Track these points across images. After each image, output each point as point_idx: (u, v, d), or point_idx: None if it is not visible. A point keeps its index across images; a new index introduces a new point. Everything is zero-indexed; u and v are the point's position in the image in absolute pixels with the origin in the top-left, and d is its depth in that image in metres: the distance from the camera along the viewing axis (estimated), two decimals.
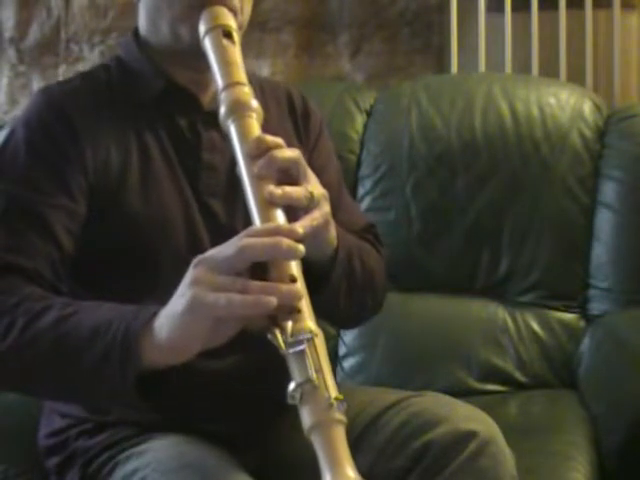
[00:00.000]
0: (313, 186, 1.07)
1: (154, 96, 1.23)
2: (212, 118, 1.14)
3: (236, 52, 1.14)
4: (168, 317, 0.95)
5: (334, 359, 1.88)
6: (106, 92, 1.24)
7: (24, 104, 2.62)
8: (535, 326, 1.83)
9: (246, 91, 1.09)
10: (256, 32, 2.51)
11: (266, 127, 1.09)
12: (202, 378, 1.17)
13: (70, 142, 1.17)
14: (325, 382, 0.90)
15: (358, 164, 1.96)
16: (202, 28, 1.15)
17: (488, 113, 1.91)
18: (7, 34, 2.71)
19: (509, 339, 1.82)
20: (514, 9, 2.36)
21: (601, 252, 1.84)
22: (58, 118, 1.18)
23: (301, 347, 0.91)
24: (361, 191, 1.93)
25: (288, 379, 0.92)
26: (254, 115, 1.08)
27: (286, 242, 0.94)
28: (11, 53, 2.71)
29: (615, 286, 1.82)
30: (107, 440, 1.18)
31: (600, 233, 1.85)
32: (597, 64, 2.37)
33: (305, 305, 0.95)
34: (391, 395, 1.20)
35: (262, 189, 1.01)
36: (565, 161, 1.86)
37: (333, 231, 1.15)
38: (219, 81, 1.11)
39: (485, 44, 2.37)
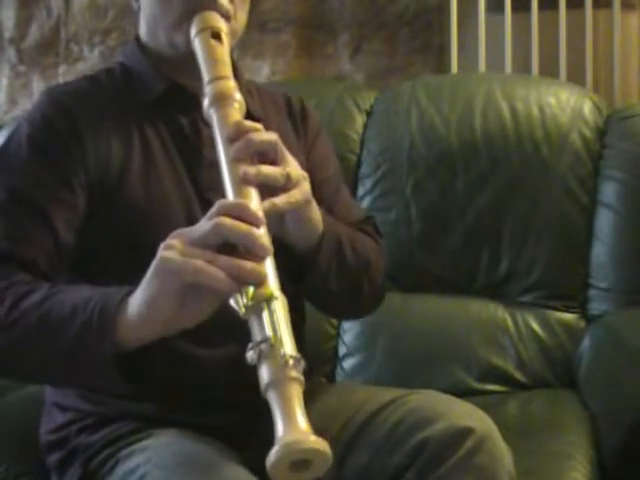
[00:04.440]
0: (291, 167, 1.09)
1: (156, 96, 1.26)
2: None
3: (223, 51, 1.18)
4: (141, 288, 0.99)
5: (334, 359, 1.88)
6: (109, 93, 1.27)
7: (24, 104, 2.63)
8: (535, 326, 1.83)
9: (230, 84, 1.13)
10: (256, 32, 2.51)
11: (261, 122, 1.12)
12: (200, 370, 1.18)
13: (72, 139, 1.20)
14: (282, 341, 0.91)
15: (358, 164, 1.96)
16: (192, 31, 1.20)
17: (488, 113, 1.91)
18: (7, 34, 2.71)
19: (509, 339, 1.82)
20: (514, 9, 2.36)
21: (601, 252, 1.84)
22: (61, 115, 1.21)
23: (259, 309, 0.93)
24: (361, 191, 1.93)
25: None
26: (236, 105, 1.11)
27: (259, 237, 0.96)
28: (11, 53, 2.72)
29: (615, 286, 1.82)
30: (108, 436, 1.19)
31: (600, 233, 1.85)
32: (597, 64, 2.37)
33: (269, 272, 0.96)
34: (388, 393, 1.21)
35: (237, 169, 1.04)
36: (565, 161, 1.86)
37: (317, 214, 1.17)
38: (204, 76, 1.15)
39: (485, 44, 2.38)
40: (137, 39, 1.32)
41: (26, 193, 1.17)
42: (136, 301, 0.99)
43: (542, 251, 1.84)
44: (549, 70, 2.33)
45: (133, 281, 1.12)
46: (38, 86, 2.68)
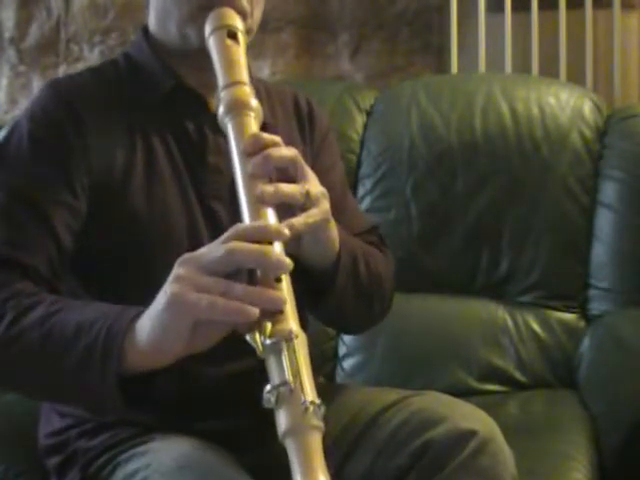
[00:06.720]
0: (311, 184, 1.04)
1: (162, 96, 1.22)
2: None
3: (240, 52, 1.12)
4: (149, 316, 0.94)
5: (334, 359, 1.88)
6: (115, 89, 1.23)
7: (24, 104, 2.63)
8: (535, 326, 1.83)
9: (246, 90, 1.07)
10: (256, 32, 2.51)
11: (271, 128, 1.08)
12: (199, 382, 1.16)
13: (76, 138, 1.16)
14: (302, 385, 0.86)
15: (358, 164, 1.96)
16: (208, 28, 1.15)
17: (488, 113, 1.91)
18: (7, 34, 2.71)
19: (509, 339, 1.82)
20: (514, 9, 2.36)
21: (601, 252, 1.84)
22: (65, 112, 1.17)
23: (279, 349, 0.88)
24: (361, 191, 1.93)
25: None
26: (252, 114, 1.06)
27: (275, 255, 0.92)
28: (11, 53, 2.71)
29: (615, 286, 1.82)
30: (108, 441, 1.17)
31: (600, 233, 1.85)
32: (597, 64, 2.37)
33: (288, 306, 0.91)
34: (391, 394, 1.20)
35: (254, 187, 0.99)
36: (565, 161, 1.86)
37: (335, 232, 1.13)
38: (220, 80, 1.10)
39: (485, 44, 2.38)
40: (145, 30, 1.27)
41: (28, 194, 1.12)
42: (144, 330, 0.93)
43: (542, 251, 1.85)
44: (549, 70, 2.33)
45: (131, 286, 1.10)
46: (38, 86, 2.67)
